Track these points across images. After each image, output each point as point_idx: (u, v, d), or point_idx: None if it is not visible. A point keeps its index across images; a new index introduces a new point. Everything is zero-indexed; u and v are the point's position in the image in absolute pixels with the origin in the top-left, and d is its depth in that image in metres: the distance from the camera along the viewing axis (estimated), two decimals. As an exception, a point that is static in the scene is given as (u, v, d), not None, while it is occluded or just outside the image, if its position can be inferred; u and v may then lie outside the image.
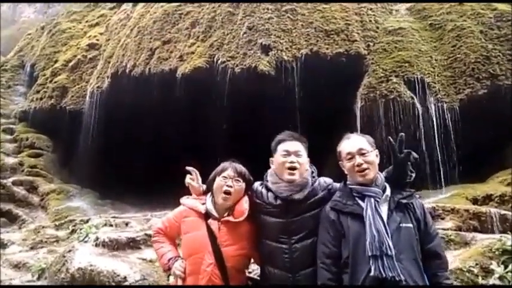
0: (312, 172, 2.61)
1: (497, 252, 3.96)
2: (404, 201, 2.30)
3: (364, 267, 2.16)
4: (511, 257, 3.84)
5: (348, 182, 2.43)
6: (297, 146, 2.52)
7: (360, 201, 2.31)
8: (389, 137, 2.34)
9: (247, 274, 2.71)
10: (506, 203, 5.69)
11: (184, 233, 2.56)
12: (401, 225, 2.23)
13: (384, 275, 2.09)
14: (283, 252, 2.41)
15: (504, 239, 4.07)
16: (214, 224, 2.48)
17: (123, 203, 9.19)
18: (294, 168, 2.45)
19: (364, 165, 2.33)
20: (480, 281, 3.77)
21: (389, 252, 2.12)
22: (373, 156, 2.39)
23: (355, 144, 2.40)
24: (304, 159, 2.53)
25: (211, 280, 2.39)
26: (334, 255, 2.30)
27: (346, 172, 2.45)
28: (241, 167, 2.58)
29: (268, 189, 2.55)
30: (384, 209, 2.27)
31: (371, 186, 2.33)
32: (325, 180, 2.59)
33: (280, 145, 2.55)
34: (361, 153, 2.36)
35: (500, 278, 3.67)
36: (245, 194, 2.57)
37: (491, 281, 3.69)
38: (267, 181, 2.59)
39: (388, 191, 2.33)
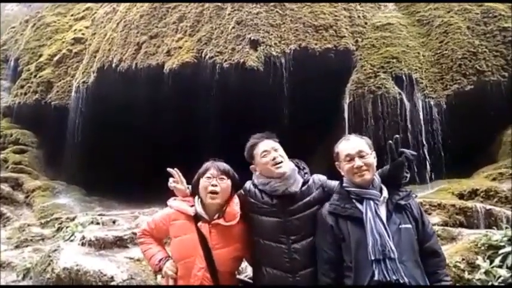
0: (304, 168, 2.59)
1: (483, 248, 4.00)
2: (402, 202, 2.29)
3: (368, 272, 2.14)
4: (496, 252, 3.88)
5: (344, 184, 2.40)
6: (271, 144, 2.52)
7: (358, 204, 2.28)
8: (390, 141, 2.30)
9: (237, 276, 2.67)
10: (491, 197, 5.76)
11: (173, 236, 2.50)
12: (400, 226, 2.22)
13: (388, 279, 2.08)
14: (282, 252, 2.38)
15: (490, 234, 4.11)
16: (204, 227, 2.42)
17: (111, 199, 9.09)
18: (280, 162, 2.45)
19: (364, 167, 2.30)
20: (466, 276, 3.81)
21: (392, 255, 2.11)
22: (372, 158, 2.36)
23: (355, 146, 2.36)
24: (283, 151, 2.53)
25: (203, 284, 2.35)
26: (333, 260, 2.28)
27: (343, 173, 2.41)
28: (223, 165, 2.53)
29: (260, 191, 2.52)
30: (382, 211, 2.25)
31: (369, 188, 2.31)
32: (319, 178, 2.57)
33: (255, 150, 2.54)
34: (360, 155, 2.33)
35: (486, 273, 3.71)
36: (233, 193, 2.51)
37: (477, 276, 3.73)
38: (255, 185, 2.55)
39: (385, 193, 2.31)
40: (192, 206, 2.51)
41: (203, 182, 2.47)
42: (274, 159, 2.44)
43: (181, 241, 2.45)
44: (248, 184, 2.60)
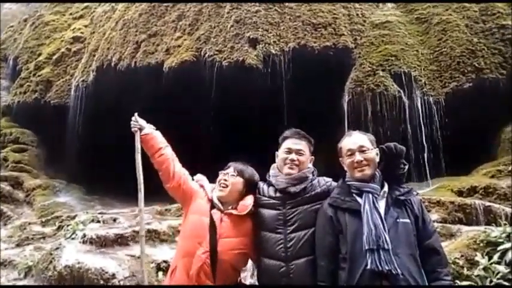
0: (313, 172, 2.67)
1: (481, 244, 4.04)
2: (402, 197, 2.33)
3: (361, 262, 2.18)
4: (495, 248, 3.91)
5: (346, 179, 2.47)
6: (300, 145, 2.61)
7: (357, 198, 2.34)
8: (382, 146, 2.39)
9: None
10: (490, 195, 5.80)
11: (192, 212, 2.64)
12: (398, 220, 2.25)
13: (381, 268, 2.11)
14: (278, 241, 2.45)
15: (488, 231, 4.14)
16: (216, 214, 2.57)
17: (111, 198, 9.10)
18: (293, 165, 2.56)
19: (364, 162, 2.37)
20: (465, 272, 3.84)
21: (386, 246, 2.14)
22: (373, 154, 2.41)
23: (356, 141, 2.44)
24: (306, 157, 2.61)
25: (203, 267, 2.43)
26: (331, 252, 2.32)
27: (345, 168, 2.48)
28: (240, 166, 2.70)
29: (269, 185, 2.65)
30: (381, 205, 2.29)
31: (369, 182, 2.36)
32: (325, 179, 2.66)
33: (285, 142, 2.66)
34: (361, 150, 2.39)
35: (485, 269, 3.74)
36: (248, 192, 2.65)
37: (476, 272, 3.76)
38: (269, 176, 2.68)
39: (386, 188, 2.36)
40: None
41: (219, 176, 2.69)
42: (291, 160, 2.56)
43: (197, 220, 2.58)
44: (260, 183, 2.74)
